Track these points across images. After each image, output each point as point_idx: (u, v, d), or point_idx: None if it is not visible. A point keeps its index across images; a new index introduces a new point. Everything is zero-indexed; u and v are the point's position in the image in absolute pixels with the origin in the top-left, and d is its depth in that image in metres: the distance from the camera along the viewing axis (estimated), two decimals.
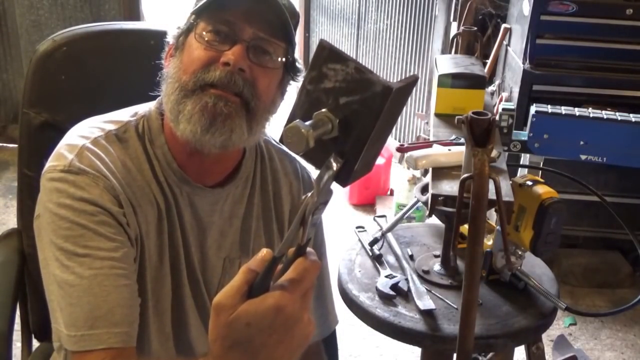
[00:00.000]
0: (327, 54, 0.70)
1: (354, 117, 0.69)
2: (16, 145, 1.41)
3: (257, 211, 1.23)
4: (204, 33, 1.07)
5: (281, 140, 0.69)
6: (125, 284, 1.02)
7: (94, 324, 0.98)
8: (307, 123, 0.68)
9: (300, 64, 1.15)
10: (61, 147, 1.09)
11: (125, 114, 1.16)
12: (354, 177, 0.71)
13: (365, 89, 0.68)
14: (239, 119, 1.07)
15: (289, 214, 1.27)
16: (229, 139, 1.07)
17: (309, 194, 0.71)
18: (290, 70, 1.14)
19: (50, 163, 1.07)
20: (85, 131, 1.11)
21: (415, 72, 3.84)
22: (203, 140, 1.06)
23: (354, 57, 0.71)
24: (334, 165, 0.70)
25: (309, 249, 0.75)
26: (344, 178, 0.71)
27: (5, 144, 3.96)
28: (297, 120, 0.68)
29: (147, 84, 1.34)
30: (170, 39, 1.15)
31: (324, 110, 0.69)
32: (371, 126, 0.68)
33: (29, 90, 1.33)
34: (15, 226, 1.40)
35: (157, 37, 1.39)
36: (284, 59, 1.11)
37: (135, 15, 3.82)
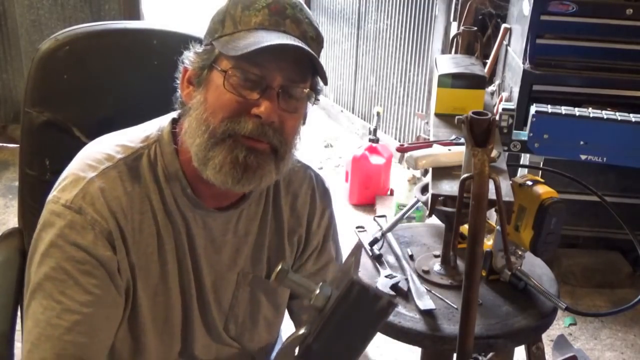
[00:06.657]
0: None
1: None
2: (16, 145, 1.41)
3: (270, 227, 1.23)
4: (233, 77, 1.03)
5: None
6: (83, 342, 1.04)
7: None
8: (295, 273, 0.86)
9: (320, 86, 1.12)
10: (68, 175, 1.08)
11: (136, 138, 1.13)
12: (310, 356, 0.80)
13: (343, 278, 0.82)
14: (268, 167, 1.07)
15: (306, 223, 1.28)
16: (259, 185, 1.08)
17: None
18: (311, 97, 1.11)
19: (55, 192, 1.07)
20: (94, 159, 1.09)
21: (415, 72, 3.84)
22: (233, 189, 1.07)
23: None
24: (300, 330, 0.81)
25: None
26: (302, 350, 0.81)
27: (5, 144, 3.96)
28: (288, 265, 0.85)
29: (148, 83, 1.35)
30: (187, 63, 1.10)
31: (327, 281, 0.85)
32: (330, 308, 0.80)
33: (30, 89, 1.33)
34: (16, 226, 1.40)
35: (159, 37, 1.40)
36: (308, 94, 1.09)
37: (136, 15, 3.82)
